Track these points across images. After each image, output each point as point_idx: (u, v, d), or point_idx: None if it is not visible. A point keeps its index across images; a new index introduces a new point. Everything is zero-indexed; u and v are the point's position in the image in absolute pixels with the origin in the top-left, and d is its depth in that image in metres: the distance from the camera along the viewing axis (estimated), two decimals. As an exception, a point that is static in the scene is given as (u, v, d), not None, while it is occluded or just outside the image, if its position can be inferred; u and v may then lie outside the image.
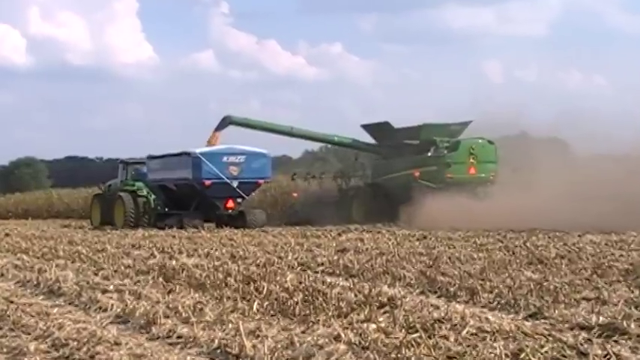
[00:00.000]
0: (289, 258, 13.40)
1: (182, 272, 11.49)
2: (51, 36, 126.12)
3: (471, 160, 27.93)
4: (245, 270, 11.49)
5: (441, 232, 19.91)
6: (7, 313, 8.57)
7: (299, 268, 12.12)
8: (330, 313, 7.65)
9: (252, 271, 11.40)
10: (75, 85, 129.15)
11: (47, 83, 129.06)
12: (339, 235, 20.32)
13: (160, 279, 10.91)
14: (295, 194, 32.97)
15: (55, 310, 8.93)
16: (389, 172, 29.03)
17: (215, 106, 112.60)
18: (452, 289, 9.09)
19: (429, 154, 28.29)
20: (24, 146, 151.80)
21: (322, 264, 12.41)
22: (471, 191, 25.94)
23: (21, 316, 8.42)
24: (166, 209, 28.91)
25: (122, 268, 12.73)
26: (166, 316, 7.86)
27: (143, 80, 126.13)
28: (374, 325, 7.00)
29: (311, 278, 10.38)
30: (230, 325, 7.24)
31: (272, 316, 7.88)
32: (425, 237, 18.13)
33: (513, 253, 13.21)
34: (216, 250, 15.94)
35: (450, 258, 12.52)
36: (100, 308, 8.81)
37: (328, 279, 10.52)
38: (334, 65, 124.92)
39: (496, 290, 8.81)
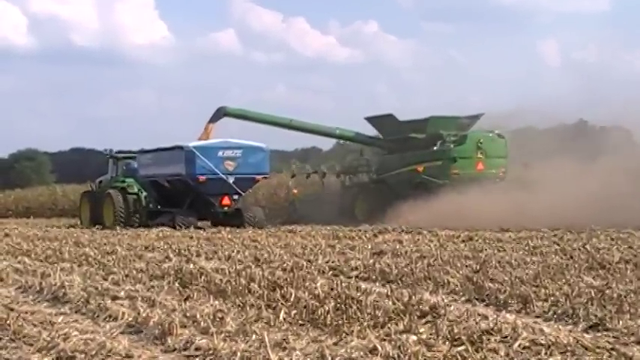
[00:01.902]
0: (319, 261, 13.43)
1: (200, 277, 11.55)
2: (54, 14, 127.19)
3: (479, 155, 28.55)
4: (270, 275, 11.53)
5: (489, 232, 19.89)
6: (8, 322, 8.65)
7: (330, 272, 12.15)
8: (365, 323, 7.66)
9: (279, 276, 11.43)
10: (81, 69, 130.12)
11: (50, 67, 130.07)
12: (375, 236, 20.34)
13: (176, 284, 10.98)
14: (295, 191, 34.01)
15: (60, 318, 9.01)
16: (393, 168, 29.74)
17: (237, 92, 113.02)
18: (502, 297, 9.07)
19: (435, 148, 29.00)
20: (25, 137, 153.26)
21: (356, 268, 12.43)
22: (479, 188, 26.33)
23: (22, 325, 8.50)
24: (159, 207, 29.56)
25: (134, 272, 12.81)
26: (183, 326, 7.90)
27: (156, 63, 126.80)
28: (414, 337, 6.99)
29: (344, 284, 10.39)
30: (254, 336, 7.27)
31: (300, 326, 7.90)
32: (471, 238, 18.12)
33: (571, 257, 13.15)
34: (238, 252, 16.01)
35: (499, 262, 12.48)
36: (110, 317, 8.88)
37: (363, 285, 10.53)
38: (369, 46, 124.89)
39: (552, 298, 8.78)
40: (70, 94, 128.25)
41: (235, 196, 28.49)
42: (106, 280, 12.04)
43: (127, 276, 12.34)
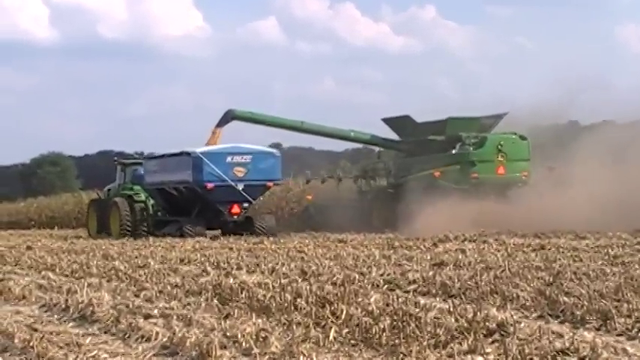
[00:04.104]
0: (373, 274, 13.41)
1: (241, 292, 11.59)
2: (79, 4, 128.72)
3: (500, 159, 29.30)
4: (319, 289, 11.53)
5: (564, 240, 19.73)
6: (31, 343, 8.76)
7: (385, 286, 12.14)
8: (424, 343, 7.64)
9: (328, 290, 11.43)
10: (108, 64, 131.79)
11: (75, 62, 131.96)
12: (435, 245, 20.29)
13: (215, 301, 11.03)
14: (309, 197, 35.23)
15: (88, 339, 9.10)
16: (411, 172, 30.62)
17: (280, 86, 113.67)
18: (578, 313, 8.99)
19: (453, 151, 29.91)
20: (48, 140, 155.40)
21: (414, 281, 12.40)
22: (499, 193, 26.98)
23: (47, 347, 8.60)
24: (167, 215, 30.74)
25: (168, 287, 12.90)
26: (223, 347, 7.94)
27: (191, 56, 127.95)
28: (480, 358, 6.96)
29: (400, 299, 10.38)
30: (301, 358, 7.28)
31: (353, 346, 7.90)
32: (543, 247, 17.99)
33: (657, 267, 13.01)
34: (282, 264, 16.04)
35: (575, 273, 12.38)
36: (142, 337, 8.95)
37: (422, 300, 10.51)
38: (426, 34, 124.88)
39: (636, 314, 8.68)
40: (97, 92, 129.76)
41: (245, 204, 29.50)
42: (137, 296, 12.14)
43: (160, 292, 12.43)
